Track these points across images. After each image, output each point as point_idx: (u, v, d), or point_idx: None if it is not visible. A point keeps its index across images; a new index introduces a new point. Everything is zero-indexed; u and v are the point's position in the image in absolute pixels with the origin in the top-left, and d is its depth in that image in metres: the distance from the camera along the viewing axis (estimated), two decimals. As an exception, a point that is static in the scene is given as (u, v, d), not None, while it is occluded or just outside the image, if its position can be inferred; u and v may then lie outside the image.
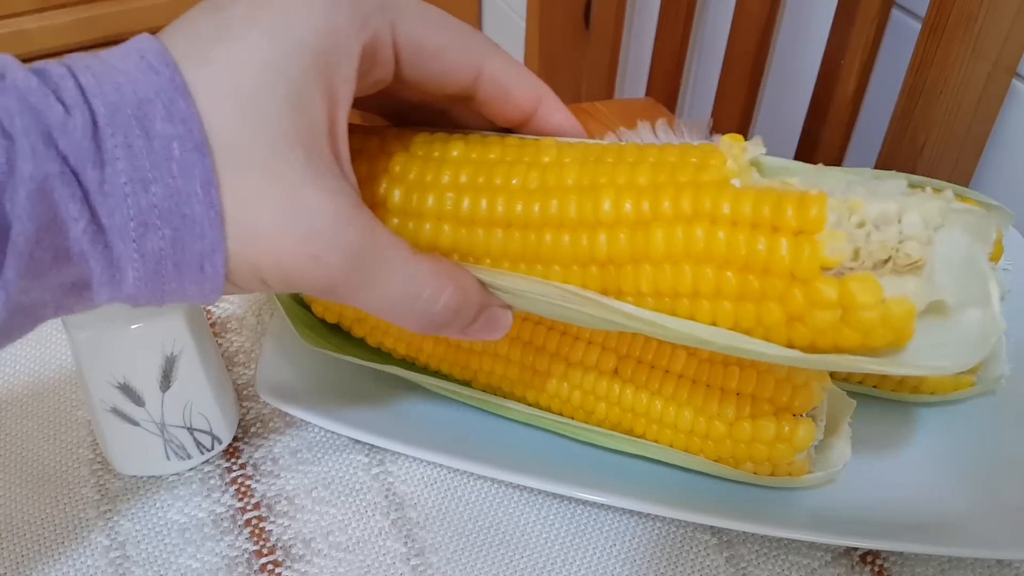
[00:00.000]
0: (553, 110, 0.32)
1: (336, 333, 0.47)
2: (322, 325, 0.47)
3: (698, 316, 0.28)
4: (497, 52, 0.31)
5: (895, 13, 0.58)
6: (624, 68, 0.89)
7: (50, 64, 0.24)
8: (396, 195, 0.31)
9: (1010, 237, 0.47)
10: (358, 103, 0.29)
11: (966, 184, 0.55)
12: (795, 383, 0.37)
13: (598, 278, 0.29)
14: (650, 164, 0.29)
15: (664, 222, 0.27)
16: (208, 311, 0.50)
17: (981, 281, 0.26)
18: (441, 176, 0.31)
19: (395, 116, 0.34)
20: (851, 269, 0.26)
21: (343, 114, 0.27)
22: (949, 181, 0.50)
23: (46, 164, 0.23)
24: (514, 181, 0.30)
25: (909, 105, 0.54)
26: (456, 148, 0.31)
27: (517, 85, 0.31)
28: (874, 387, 0.43)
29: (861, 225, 0.25)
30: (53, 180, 0.23)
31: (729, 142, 0.28)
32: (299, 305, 0.47)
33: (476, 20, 1.21)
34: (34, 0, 1.03)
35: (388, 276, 0.28)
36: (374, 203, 0.31)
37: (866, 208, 0.25)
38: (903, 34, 0.58)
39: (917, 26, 0.54)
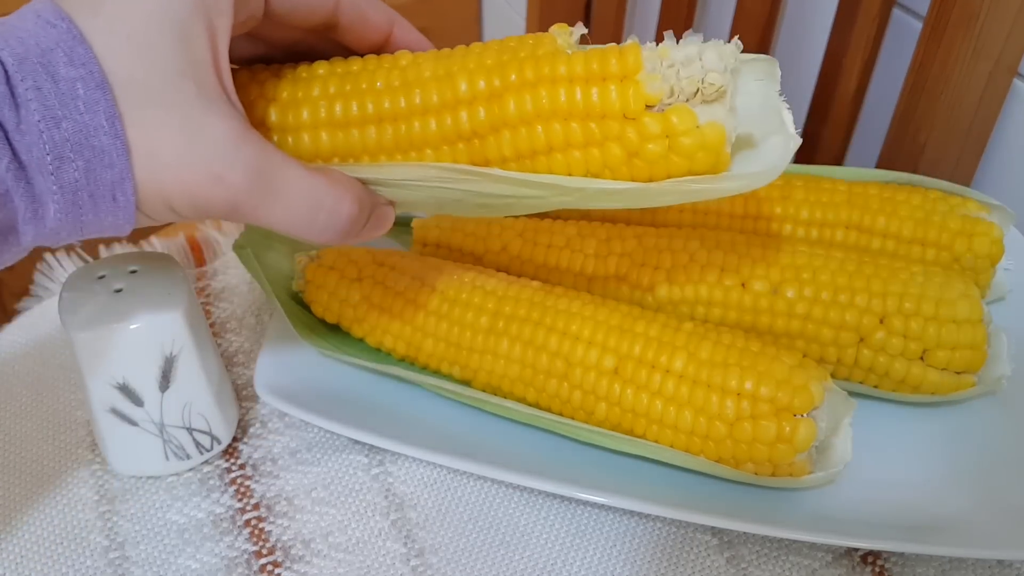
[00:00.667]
0: (407, 31, 0.35)
1: (336, 333, 0.47)
2: (321, 325, 0.47)
3: (555, 169, 0.32)
4: (396, 14, 0.35)
5: (896, 12, 0.58)
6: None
7: None
8: (272, 114, 0.34)
9: (1010, 237, 0.47)
10: (230, 51, 0.31)
11: (967, 183, 0.55)
12: (795, 383, 0.37)
13: (466, 153, 0.33)
14: (494, 50, 0.33)
15: (513, 91, 0.31)
16: (208, 311, 0.50)
17: (777, 113, 0.32)
18: (311, 90, 0.34)
19: (263, 62, 0.37)
20: (669, 104, 0.30)
21: (224, 45, 0.30)
22: (950, 180, 0.50)
23: None
24: (378, 83, 0.33)
25: (910, 104, 0.54)
26: (321, 67, 0.35)
27: (371, 8, 0.34)
28: (875, 387, 0.43)
29: (671, 67, 0.30)
30: None
31: (557, 29, 0.33)
32: (299, 305, 0.47)
33: (476, 20, 1.21)
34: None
35: (288, 190, 0.30)
36: (255, 124, 0.34)
37: (672, 53, 0.30)
38: (904, 33, 0.58)
39: (918, 25, 0.54)
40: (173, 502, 0.41)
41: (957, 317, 0.41)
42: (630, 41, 0.31)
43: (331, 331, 0.47)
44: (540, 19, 0.87)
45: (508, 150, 0.32)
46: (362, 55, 0.35)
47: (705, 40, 0.31)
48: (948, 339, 0.41)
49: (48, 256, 0.53)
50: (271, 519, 0.41)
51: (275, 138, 0.34)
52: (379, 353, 0.46)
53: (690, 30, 0.31)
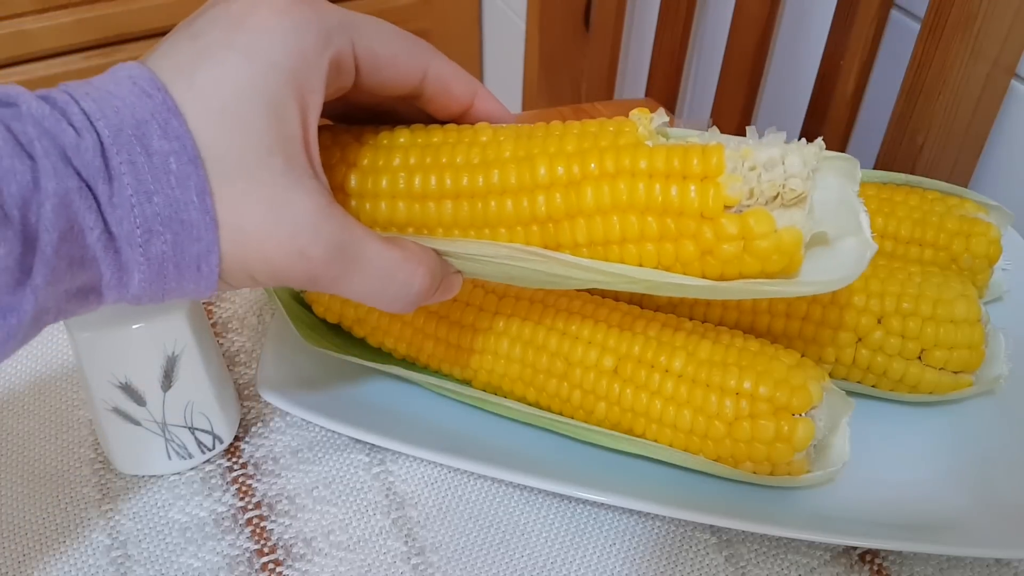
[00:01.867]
0: (487, 100, 0.36)
1: (337, 333, 0.47)
2: (323, 325, 0.47)
3: (627, 259, 0.32)
4: (438, 55, 0.34)
5: (894, 14, 0.58)
6: (624, 68, 0.89)
7: (52, 92, 0.27)
8: (352, 180, 0.34)
9: (1009, 237, 0.47)
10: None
11: (965, 184, 0.55)
12: (794, 383, 0.37)
13: (539, 236, 0.33)
14: (575, 135, 0.33)
15: (592, 180, 0.32)
16: (209, 311, 0.51)
17: (854, 214, 0.32)
18: (392, 159, 0.34)
19: (343, 120, 0.37)
20: (748, 206, 0.31)
21: (314, 122, 0.30)
22: (948, 181, 0.50)
23: (66, 180, 0.25)
24: (458, 159, 0.33)
25: (908, 105, 0.55)
26: (402, 135, 0.35)
27: (456, 81, 0.35)
28: (873, 387, 0.43)
29: (753, 168, 0.30)
30: (72, 194, 0.26)
31: (638, 115, 0.33)
32: (300, 305, 0.47)
33: (476, 21, 1.21)
34: (35, 0, 1.03)
35: (364, 264, 0.31)
36: (333, 188, 0.34)
37: (755, 155, 0.31)
38: (902, 34, 0.58)
39: (916, 26, 0.54)
40: (175, 501, 0.41)
41: (955, 317, 0.41)
42: (715, 142, 0.31)
43: (332, 331, 0.47)
44: (540, 20, 0.87)
45: (581, 237, 0.32)
46: (443, 122, 0.36)
47: (788, 140, 0.31)
48: (946, 339, 0.41)
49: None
50: (273, 518, 0.41)
51: (353, 203, 0.35)
52: (380, 353, 0.46)
53: (773, 128, 0.31)
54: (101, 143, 0.26)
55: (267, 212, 0.28)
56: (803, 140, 0.31)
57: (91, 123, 0.26)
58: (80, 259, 0.26)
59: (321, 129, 0.35)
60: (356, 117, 0.37)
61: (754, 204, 0.30)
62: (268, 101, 0.28)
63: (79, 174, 0.26)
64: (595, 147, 0.32)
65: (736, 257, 0.31)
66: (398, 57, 0.33)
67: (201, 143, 0.27)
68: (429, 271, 0.33)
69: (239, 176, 0.28)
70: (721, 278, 0.32)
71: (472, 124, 0.35)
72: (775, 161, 0.30)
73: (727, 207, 0.30)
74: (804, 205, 0.30)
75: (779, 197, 0.30)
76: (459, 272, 0.35)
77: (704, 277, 0.32)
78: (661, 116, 0.33)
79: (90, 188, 0.26)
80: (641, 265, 0.32)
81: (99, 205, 0.26)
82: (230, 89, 0.28)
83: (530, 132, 0.34)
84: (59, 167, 0.25)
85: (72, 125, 0.26)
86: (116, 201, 0.26)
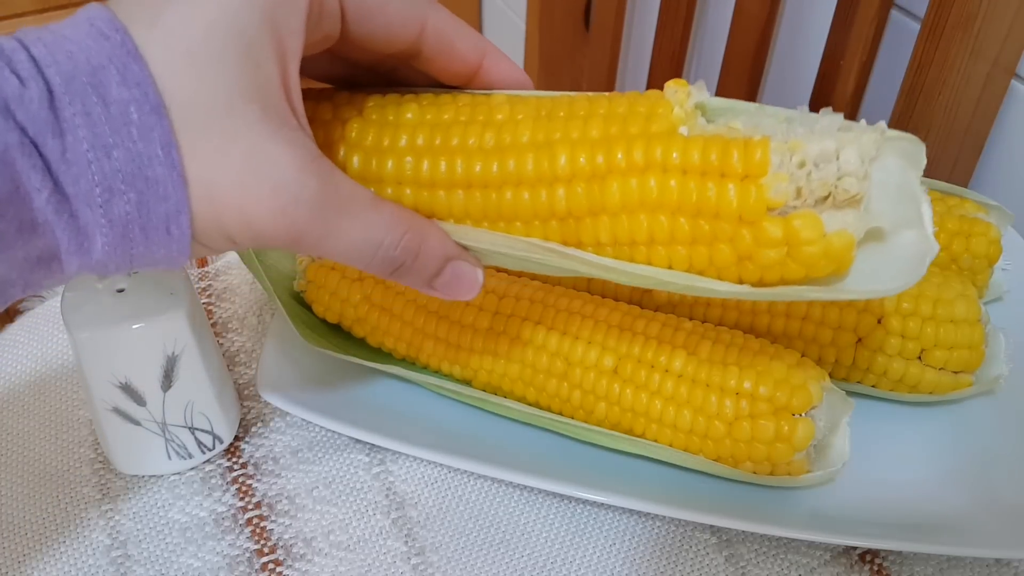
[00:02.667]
0: (498, 61, 0.32)
1: (336, 333, 0.47)
2: (322, 325, 0.47)
3: (655, 261, 0.29)
4: (438, 7, 0.31)
5: (894, 14, 0.58)
6: (624, 68, 0.89)
7: (2, 39, 0.25)
8: (355, 161, 0.31)
9: (1009, 237, 0.48)
10: (307, 68, 0.29)
11: (965, 184, 0.55)
12: (794, 383, 0.37)
13: (558, 231, 0.30)
14: (601, 116, 0.29)
15: (618, 173, 0.28)
16: (209, 311, 0.51)
17: (914, 203, 0.27)
18: (398, 140, 0.31)
19: (343, 82, 0.35)
20: (794, 208, 0.27)
21: (294, 66, 0.28)
22: (948, 181, 0.50)
23: (5, 135, 0.23)
24: (471, 141, 0.30)
25: (908, 105, 0.55)
26: (410, 110, 0.32)
27: (460, 37, 0.31)
28: (873, 387, 0.43)
29: (802, 165, 0.26)
30: (13, 151, 0.23)
31: (674, 88, 0.29)
32: (300, 305, 0.47)
33: (476, 20, 1.21)
34: (35, 1, 1.03)
35: (350, 224, 0.28)
36: None
37: (806, 148, 0.26)
38: (902, 35, 0.58)
39: (916, 27, 0.54)
40: (175, 501, 0.41)
41: (955, 317, 0.41)
42: (760, 133, 0.27)
43: (332, 331, 0.47)
44: (540, 20, 0.87)
45: (605, 236, 0.29)
46: (451, 88, 0.33)
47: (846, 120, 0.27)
48: (946, 339, 0.41)
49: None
50: (273, 518, 0.41)
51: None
52: (380, 353, 0.46)
53: (828, 108, 0.27)
54: (51, 92, 0.24)
55: (243, 166, 0.26)
56: (863, 122, 0.27)
57: (40, 70, 0.24)
58: (31, 223, 0.24)
59: (320, 98, 0.33)
60: (357, 78, 0.34)
61: (801, 206, 0.27)
62: (241, 42, 0.25)
63: (22, 128, 0.23)
64: (623, 134, 0.28)
65: (778, 263, 0.27)
66: (389, 4, 0.30)
67: (165, 89, 0.25)
68: (418, 234, 0.30)
69: (210, 126, 0.25)
70: (760, 283, 0.28)
71: (485, 85, 0.32)
72: (828, 155, 0.26)
73: (770, 209, 0.27)
74: (859, 206, 0.27)
75: (831, 197, 0.27)
76: (477, 264, 0.32)
77: (740, 283, 0.28)
78: (701, 91, 0.29)
79: (35, 144, 0.23)
80: (671, 268, 0.29)
81: (47, 163, 0.24)
82: (198, 29, 0.25)
83: (551, 110, 0.30)
84: None
85: (16, 73, 0.23)
86: (70, 157, 0.24)
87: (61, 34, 0.25)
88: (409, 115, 0.31)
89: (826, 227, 0.26)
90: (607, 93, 0.31)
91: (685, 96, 0.29)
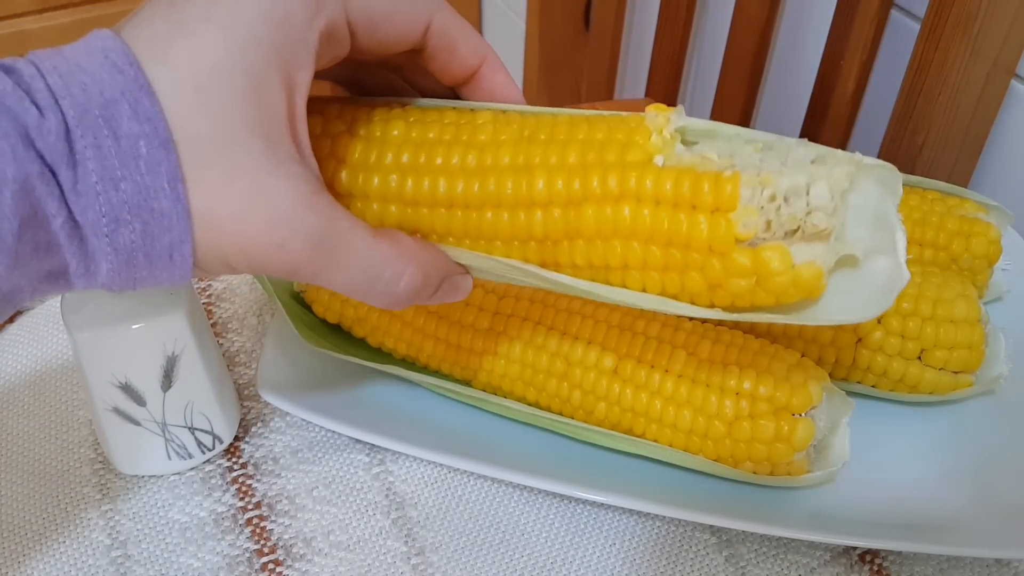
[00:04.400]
0: (495, 70, 0.33)
1: (336, 333, 0.47)
2: (323, 325, 0.47)
3: (629, 285, 0.30)
4: (445, 7, 0.32)
5: (894, 14, 0.58)
6: (624, 68, 0.89)
7: (19, 62, 0.25)
8: (343, 176, 0.32)
9: (1009, 237, 0.48)
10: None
11: (965, 184, 0.55)
12: (794, 383, 0.37)
13: (537, 252, 0.31)
14: (580, 142, 0.30)
15: (594, 200, 0.29)
16: (209, 311, 0.51)
17: (889, 231, 0.28)
18: (384, 157, 0.32)
19: (348, 79, 0.35)
20: (764, 240, 0.28)
21: (301, 100, 0.28)
22: (948, 181, 0.50)
23: (27, 165, 0.24)
24: (454, 161, 0.31)
25: (908, 105, 0.55)
26: (396, 127, 0.32)
27: (463, 39, 0.32)
28: (873, 387, 0.43)
29: (772, 199, 0.27)
30: (34, 180, 0.24)
31: (654, 113, 0.30)
32: (300, 305, 0.47)
33: (476, 20, 1.21)
34: (35, 1, 1.03)
35: (348, 259, 0.29)
36: (325, 182, 0.32)
37: (777, 182, 0.27)
38: (902, 34, 0.58)
39: (916, 26, 0.54)
40: (175, 501, 0.41)
41: (955, 317, 0.41)
42: (730, 169, 0.28)
43: (332, 331, 0.47)
44: (540, 20, 0.87)
45: (581, 259, 0.30)
46: (446, 88, 0.34)
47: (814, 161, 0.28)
48: (946, 339, 0.41)
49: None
50: (273, 518, 0.41)
51: (343, 202, 0.32)
52: (380, 353, 0.46)
53: (804, 140, 0.28)
54: (66, 124, 0.25)
55: (244, 200, 0.27)
56: (838, 152, 0.28)
57: (56, 102, 0.25)
58: (46, 244, 0.25)
59: (311, 111, 0.33)
60: (363, 77, 0.35)
61: (771, 238, 0.27)
62: (248, 78, 0.26)
63: (42, 157, 0.24)
64: (600, 161, 0.29)
65: (748, 292, 0.28)
66: (396, 14, 0.30)
67: (174, 124, 0.26)
68: (421, 269, 0.31)
69: (215, 160, 0.26)
70: (732, 309, 0.29)
71: (478, 93, 0.34)
72: (799, 190, 0.27)
73: (739, 241, 0.27)
74: (828, 239, 0.27)
75: (799, 230, 0.27)
76: (467, 273, 0.33)
77: (713, 307, 0.29)
78: (680, 117, 0.30)
79: (53, 173, 0.25)
80: (645, 292, 0.30)
81: (62, 191, 0.25)
82: (206, 65, 0.26)
83: (533, 132, 0.31)
84: (19, 150, 0.24)
85: (36, 104, 0.24)
86: (80, 188, 0.25)
87: (75, 63, 0.26)
88: (395, 132, 0.32)
89: (795, 259, 0.27)
90: (589, 113, 0.32)
91: (665, 122, 0.29)
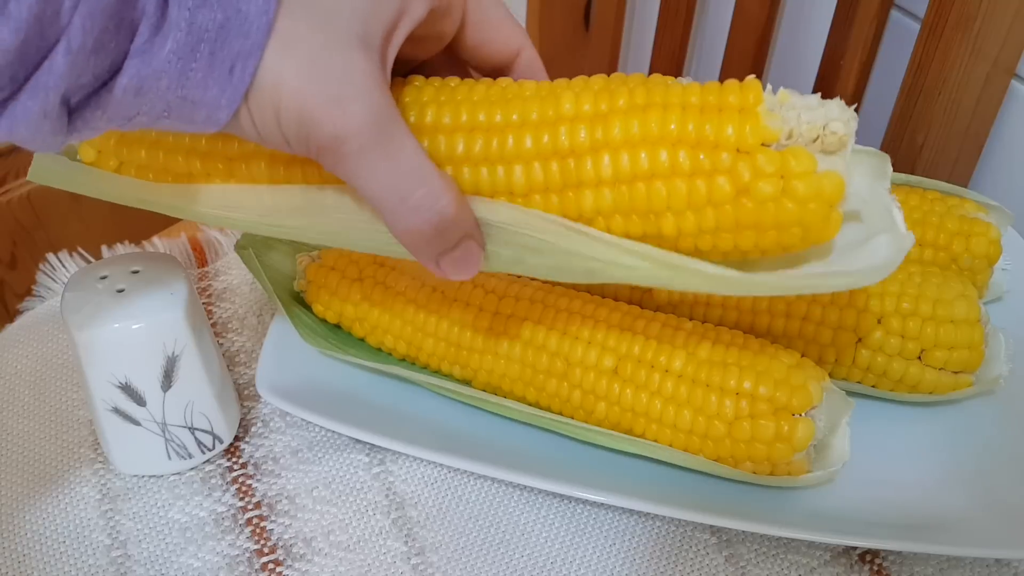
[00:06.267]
0: (532, 60, 0.34)
1: (336, 333, 0.47)
2: (323, 325, 0.47)
3: (654, 202, 0.30)
4: (528, 37, 0.33)
5: (894, 14, 0.58)
6: (624, 68, 0.89)
7: None
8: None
9: (1009, 237, 0.48)
10: None
11: (965, 184, 0.55)
12: (794, 383, 0.37)
13: (558, 174, 0.30)
14: (603, 77, 0.31)
15: (620, 113, 0.30)
16: (209, 311, 0.51)
17: (886, 211, 0.30)
18: (404, 96, 0.32)
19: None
20: (786, 146, 0.28)
21: (404, 28, 0.28)
22: (948, 181, 0.50)
23: None
24: (475, 96, 0.31)
25: (908, 105, 0.55)
26: (417, 79, 0.33)
27: (540, 72, 0.34)
28: (873, 387, 0.43)
29: (792, 110, 0.29)
30: None
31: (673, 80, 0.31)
32: (300, 305, 0.47)
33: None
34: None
35: (396, 154, 0.28)
36: None
37: (793, 99, 0.29)
38: (902, 34, 0.58)
39: (916, 26, 0.54)
40: (175, 501, 0.41)
41: (955, 317, 0.41)
42: (750, 77, 0.29)
43: (332, 331, 0.47)
44: (540, 20, 0.87)
45: (606, 172, 0.30)
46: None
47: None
48: (946, 339, 0.41)
49: (51, 256, 0.53)
50: (273, 518, 0.41)
51: None
52: (380, 353, 0.46)
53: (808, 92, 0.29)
54: None
55: (325, 52, 0.26)
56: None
57: None
58: (128, 22, 0.24)
59: None
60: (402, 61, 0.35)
61: (794, 144, 0.28)
62: None
63: None
64: (624, 84, 0.30)
65: (773, 198, 0.28)
66: (505, 24, 0.32)
67: None
68: (455, 204, 0.29)
69: (313, 10, 0.26)
70: (756, 226, 0.29)
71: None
72: (813, 106, 0.28)
73: (765, 144, 0.28)
74: (845, 152, 0.28)
75: (819, 140, 0.28)
76: (482, 246, 0.32)
77: (737, 225, 0.29)
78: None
79: None
80: (669, 208, 0.29)
81: None
82: None
83: (555, 81, 0.32)
84: None
85: None
86: None
87: None
88: (416, 83, 0.32)
89: (818, 167, 0.28)
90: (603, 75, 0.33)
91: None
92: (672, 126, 0.29)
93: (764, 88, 0.29)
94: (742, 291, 0.31)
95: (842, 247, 0.30)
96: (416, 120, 0.31)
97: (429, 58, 0.33)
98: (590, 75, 0.33)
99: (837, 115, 0.28)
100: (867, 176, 0.30)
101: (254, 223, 0.34)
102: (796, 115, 0.28)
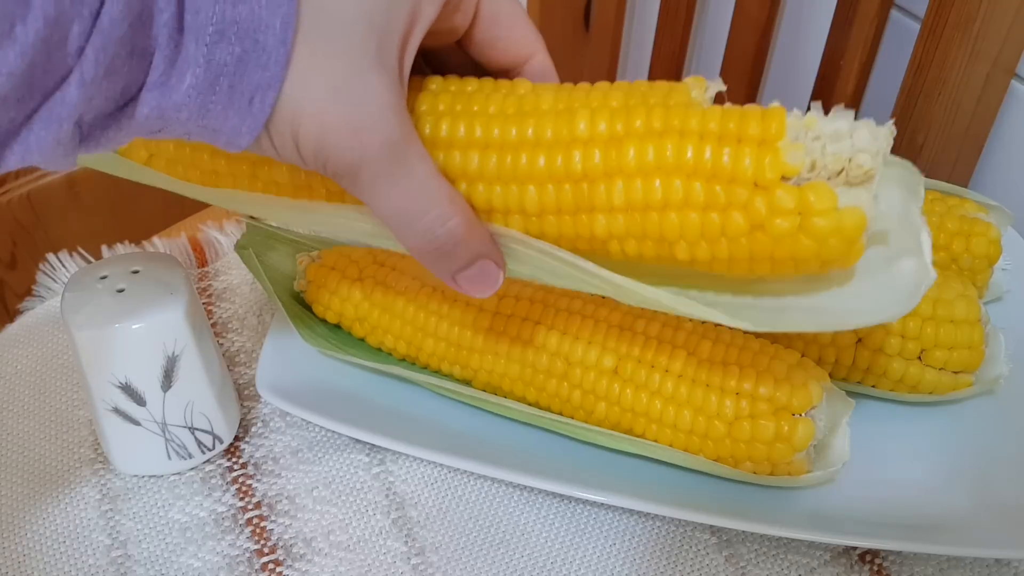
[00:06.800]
0: (544, 61, 0.34)
1: (336, 333, 0.47)
2: (322, 325, 0.47)
3: (667, 232, 0.29)
4: (542, 42, 0.33)
5: (894, 14, 0.58)
6: (624, 68, 0.89)
7: None
8: None
9: (1009, 237, 0.48)
10: None
11: (965, 184, 0.55)
12: (794, 383, 0.37)
13: (571, 196, 0.30)
14: (622, 91, 0.30)
15: (636, 138, 0.29)
16: (209, 311, 0.51)
17: (915, 233, 0.28)
18: (419, 105, 0.31)
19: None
20: (808, 179, 0.27)
21: (418, 33, 0.29)
22: (948, 181, 0.50)
23: None
24: (491, 108, 0.31)
25: (908, 105, 0.55)
26: (434, 82, 0.32)
27: (511, 26, 0.33)
28: (873, 387, 0.43)
29: (817, 139, 0.27)
30: None
31: (693, 82, 0.30)
32: (300, 305, 0.47)
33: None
34: None
35: (409, 178, 0.29)
36: None
37: (820, 125, 0.27)
38: (902, 35, 0.58)
39: (916, 27, 0.54)
40: (175, 501, 0.41)
41: (955, 317, 0.41)
42: (775, 104, 0.28)
43: (332, 331, 0.47)
44: (540, 20, 0.87)
45: (618, 200, 0.29)
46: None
47: (857, 118, 0.27)
48: (946, 339, 0.41)
49: (51, 256, 0.53)
50: (273, 518, 0.41)
51: None
52: (380, 353, 0.46)
53: (840, 105, 0.28)
54: None
55: (340, 78, 0.27)
56: (871, 120, 0.28)
57: None
58: (141, 50, 0.24)
59: None
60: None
61: (815, 178, 0.27)
62: None
63: None
64: (643, 103, 0.29)
65: (789, 235, 0.27)
66: (518, 24, 0.32)
67: None
68: (468, 223, 0.30)
69: (329, 34, 0.26)
70: (771, 257, 0.28)
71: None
72: (842, 134, 0.27)
73: (784, 178, 0.27)
74: (871, 185, 0.27)
75: (843, 173, 0.27)
76: (501, 266, 0.32)
77: (752, 256, 0.28)
78: (718, 85, 0.30)
79: None
80: (682, 237, 0.29)
81: None
82: None
83: (572, 87, 0.31)
84: None
85: None
86: None
87: None
88: (433, 86, 0.32)
89: (839, 202, 0.27)
90: (624, 83, 0.32)
91: (703, 88, 0.30)
92: (688, 155, 0.28)
93: (790, 112, 0.28)
94: (762, 328, 0.30)
95: (865, 268, 0.29)
96: (432, 132, 0.31)
97: (441, 47, 0.33)
98: (590, 75, 0.33)
99: (866, 145, 0.27)
100: (898, 188, 0.29)
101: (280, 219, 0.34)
102: (821, 146, 0.27)
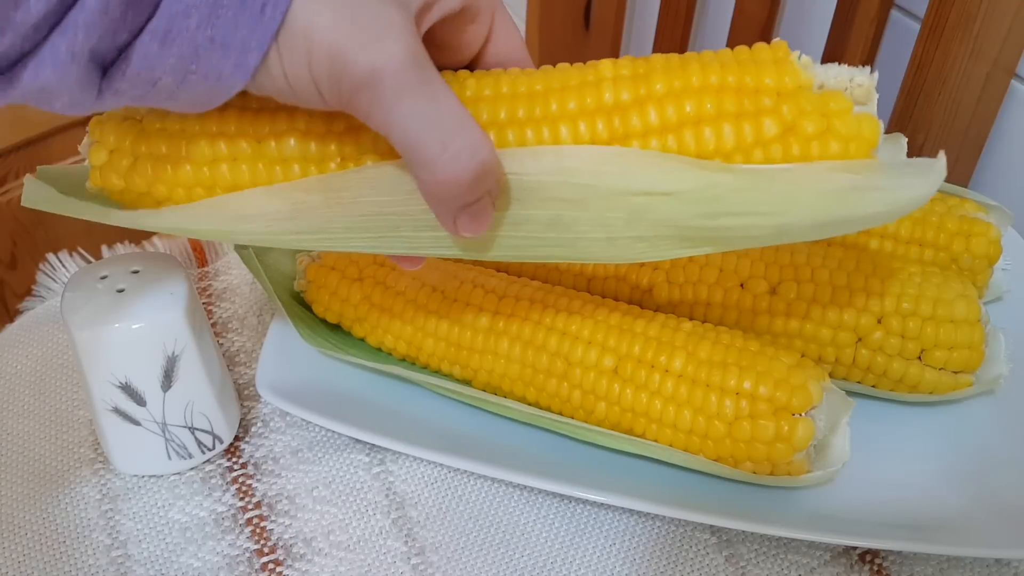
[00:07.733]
0: (507, 26, 0.33)
1: (336, 333, 0.47)
2: (323, 325, 0.47)
3: (702, 149, 0.30)
4: (510, 23, 0.32)
5: (894, 14, 0.58)
6: (624, 68, 0.89)
7: None
8: None
9: (1009, 237, 0.47)
10: None
11: (965, 184, 0.55)
12: (794, 383, 0.37)
13: (605, 131, 0.30)
14: (630, 58, 0.32)
15: (660, 73, 0.31)
16: (209, 311, 0.51)
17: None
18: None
19: None
20: (821, 89, 0.30)
21: (437, 13, 0.28)
22: (948, 181, 0.50)
23: None
24: (514, 73, 0.32)
25: (908, 105, 0.55)
26: (446, 71, 0.33)
27: (520, 61, 0.33)
28: (873, 387, 0.43)
29: (815, 68, 0.31)
30: None
31: None
32: (300, 305, 0.47)
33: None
34: None
35: (438, 95, 0.27)
36: None
37: (816, 66, 0.31)
38: (902, 35, 0.58)
39: (916, 27, 0.54)
40: (175, 501, 0.41)
41: (955, 317, 0.41)
42: (776, 40, 0.31)
43: (332, 331, 0.47)
44: (540, 20, 0.87)
45: (653, 122, 0.30)
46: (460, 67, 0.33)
47: None
48: (946, 339, 0.41)
49: (51, 256, 0.53)
50: (273, 518, 0.41)
51: None
52: (380, 353, 0.46)
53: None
54: None
55: None
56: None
57: None
58: None
59: None
60: None
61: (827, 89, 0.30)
62: None
63: None
64: (658, 56, 0.31)
65: (818, 135, 0.30)
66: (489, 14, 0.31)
67: None
68: (493, 156, 0.28)
69: None
70: (804, 161, 0.30)
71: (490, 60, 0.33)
72: (832, 66, 0.31)
73: (803, 88, 0.30)
74: (872, 104, 0.30)
75: (847, 91, 0.30)
76: (494, 201, 0.31)
77: (786, 162, 0.30)
78: None
79: None
80: (718, 152, 0.30)
81: None
82: None
83: (582, 65, 0.32)
84: None
85: None
86: None
87: None
88: (447, 71, 0.32)
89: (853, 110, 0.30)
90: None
91: None
92: (713, 79, 0.30)
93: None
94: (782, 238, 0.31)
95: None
96: (456, 92, 0.29)
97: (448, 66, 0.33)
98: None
99: (858, 72, 0.30)
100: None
101: (264, 233, 0.33)
102: (823, 71, 0.30)
